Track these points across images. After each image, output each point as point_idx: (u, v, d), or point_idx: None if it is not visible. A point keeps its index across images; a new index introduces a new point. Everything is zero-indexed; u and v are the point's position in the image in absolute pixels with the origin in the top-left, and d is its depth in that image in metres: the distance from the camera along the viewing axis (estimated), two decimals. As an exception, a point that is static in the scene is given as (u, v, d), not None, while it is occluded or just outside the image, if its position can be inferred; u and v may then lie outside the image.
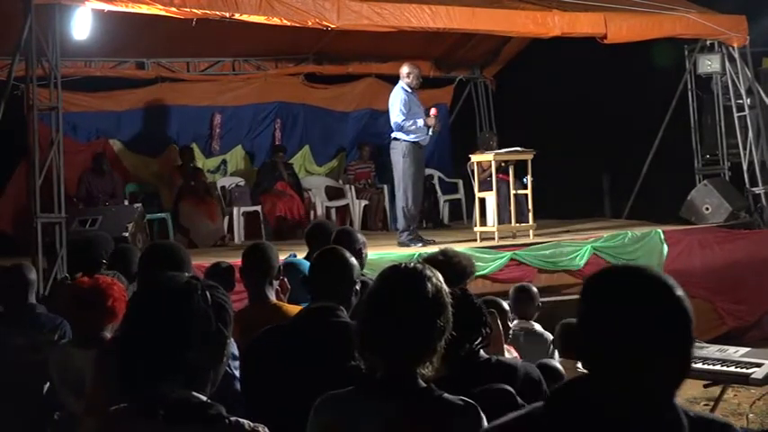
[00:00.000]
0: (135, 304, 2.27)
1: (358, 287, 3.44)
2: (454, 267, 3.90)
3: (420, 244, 9.51)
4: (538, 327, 5.87)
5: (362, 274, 3.97)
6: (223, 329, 2.23)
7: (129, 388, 2.19)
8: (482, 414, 2.44)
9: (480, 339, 3.24)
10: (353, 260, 3.52)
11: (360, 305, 2.57)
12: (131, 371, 2.19)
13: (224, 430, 2.15)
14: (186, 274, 2.30)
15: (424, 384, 2.45)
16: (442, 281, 2.55)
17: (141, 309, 2.24)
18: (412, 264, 2.58)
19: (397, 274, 2.55)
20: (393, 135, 9.78)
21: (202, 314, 2.19)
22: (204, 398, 2.19)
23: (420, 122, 9.62)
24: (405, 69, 9.83)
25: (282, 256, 5.23)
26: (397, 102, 9.67)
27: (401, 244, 9.66)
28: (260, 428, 2.20)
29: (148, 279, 3.12)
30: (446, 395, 2.46)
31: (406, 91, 9.73)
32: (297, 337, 3.31)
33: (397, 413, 2.42)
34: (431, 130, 9.72)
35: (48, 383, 4.62)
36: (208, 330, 2.19)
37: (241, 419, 2.19)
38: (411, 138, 9.63)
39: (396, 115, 9.64)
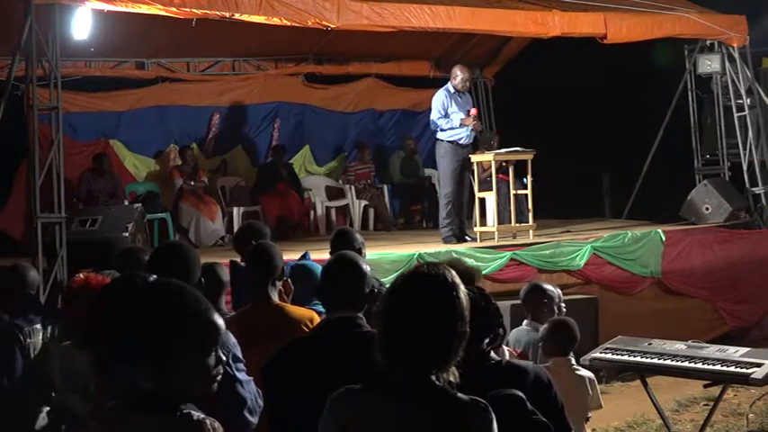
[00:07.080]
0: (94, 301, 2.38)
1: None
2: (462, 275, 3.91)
3: (455, 241, 9.70)
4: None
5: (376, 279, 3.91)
6: (182, 319, 2.26)
7: (107, 380, 2.29)
8: (493, 414, 2.45)
9: (489, 340, 3.22)
10: (366, 266, 3.43)
11: (380, 309, 2.53)
12: (103, 363, 2.29)
13: (175, 422, 2.18)
14: (140, 273, 2.40)
15: (440, 385, 2.45)
16: (462, 284, 2.55)
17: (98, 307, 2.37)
18: (433, 267, 2.56)
19: (419, 279, 2.53)
20: (437, 135, 9.93)
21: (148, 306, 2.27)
22: (160, 388, 2.22)
23: (455, 121, 9.69)
24: (454, 71, 9.98)
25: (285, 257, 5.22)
26: (435, 101, 9.85)
27: (443, 240, 9.85)
28: (208, 421, 2.21)
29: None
30: (460, 395, 2.47)
31: (449, 92, 9.85)
32: (320, 350, 3.21)
33: (413, 413, 2.43)
34: (469, 128, 9.80)
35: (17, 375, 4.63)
36: (161, 320, 2.23)
37: (194, 412, 2.21)
38: (449, 137, 9.76)
39: (431, 113, 9.84)
